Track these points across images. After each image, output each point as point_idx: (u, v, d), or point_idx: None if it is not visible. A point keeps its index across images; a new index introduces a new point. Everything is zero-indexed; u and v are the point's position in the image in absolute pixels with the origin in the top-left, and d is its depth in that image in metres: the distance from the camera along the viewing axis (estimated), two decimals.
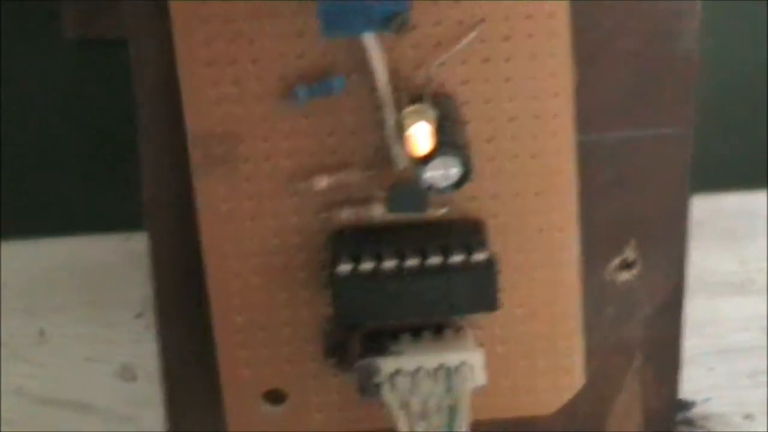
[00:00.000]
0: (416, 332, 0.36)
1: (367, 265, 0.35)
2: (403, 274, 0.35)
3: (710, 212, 0.51)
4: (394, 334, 0.36)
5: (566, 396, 0.38)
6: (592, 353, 0.38)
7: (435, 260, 0.35)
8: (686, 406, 0.49)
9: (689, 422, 0.49)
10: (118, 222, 0.49)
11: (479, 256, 0.35)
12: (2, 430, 0.48)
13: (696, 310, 0.42)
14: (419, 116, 0.33)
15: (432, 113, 0.33)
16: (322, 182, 0.35)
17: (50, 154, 0.49)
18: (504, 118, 0.35)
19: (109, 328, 0.48)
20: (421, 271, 0.35)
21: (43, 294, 0.48)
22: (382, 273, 0.35)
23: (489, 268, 0.35)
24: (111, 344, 0.48)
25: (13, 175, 0.49)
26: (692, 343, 0.42)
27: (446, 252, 0.35)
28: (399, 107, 0.34)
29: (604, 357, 0.39)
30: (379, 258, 0.35)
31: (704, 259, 0.50)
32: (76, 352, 0.48)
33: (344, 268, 0.35)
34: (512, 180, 0.36)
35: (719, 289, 0.51)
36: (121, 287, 0.48)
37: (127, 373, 0.48)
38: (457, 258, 0.35)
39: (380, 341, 0.36)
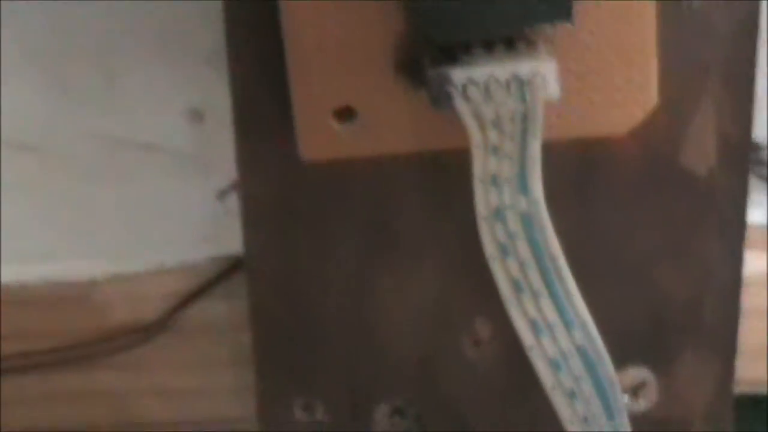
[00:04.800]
0: (488, 45, 0.36)
1: None
2: None
3: None
4: (466, 47, 0.36)
5: (640, 114, 0.38)
6: (667, 73, 0.38)
7: None
8: (757, 148, 0.48)
9: (760, 162, 0.48)
10: None
11: None
12: (77, 171, 0.48)
13: None
14: None
15: None
16: None
17: None
18: None
19: (177, 72, 0.48)
20: None
21: (112, 39, 0.48)
22: None
23: None
24: (179, 87, 0.48)
25: None
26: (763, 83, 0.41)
27: None
28: None
29: (679, 78, 0.38)
30: None
31: None
32: (145, 95, 0.48)
33: None
34: None
35: None
36: (191, 34, 0.47)
37: (195, 116, 0.48)
38: None
39: (452, 53, 0.36)
